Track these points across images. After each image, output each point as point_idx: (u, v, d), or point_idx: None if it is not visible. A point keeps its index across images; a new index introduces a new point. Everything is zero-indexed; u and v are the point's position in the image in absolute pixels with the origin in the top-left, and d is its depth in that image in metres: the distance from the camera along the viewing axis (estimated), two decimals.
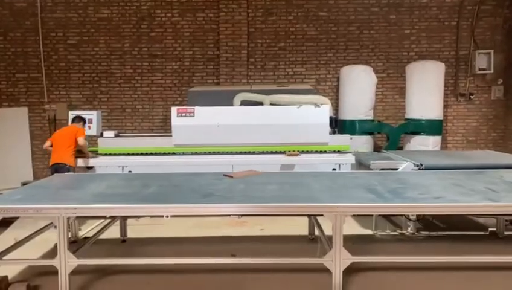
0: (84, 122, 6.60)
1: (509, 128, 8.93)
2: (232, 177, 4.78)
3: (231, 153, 6.47)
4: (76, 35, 9.02)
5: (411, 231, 5.34)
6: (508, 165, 5.45)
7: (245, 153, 6.46)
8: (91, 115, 7.03)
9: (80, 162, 6.30)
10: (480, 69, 8.75)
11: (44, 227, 4.59)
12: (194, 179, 4.72)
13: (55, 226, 3.57)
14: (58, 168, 5.89)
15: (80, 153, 6.34)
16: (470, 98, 9.02)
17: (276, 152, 6.46)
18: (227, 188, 4.25)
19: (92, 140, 7.60)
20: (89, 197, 3.89)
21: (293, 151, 6.40)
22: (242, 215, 5.67)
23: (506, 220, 5.42)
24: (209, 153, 6.48)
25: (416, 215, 5.25)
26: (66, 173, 5.55)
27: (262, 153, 6.46)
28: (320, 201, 3.73)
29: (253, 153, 6.47)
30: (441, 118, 8.32)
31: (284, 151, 6.45)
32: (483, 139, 9.15)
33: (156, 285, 3.99)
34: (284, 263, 4.04)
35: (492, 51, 8.71)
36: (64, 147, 6.06)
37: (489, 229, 5.38)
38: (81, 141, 6.16)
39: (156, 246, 5.13)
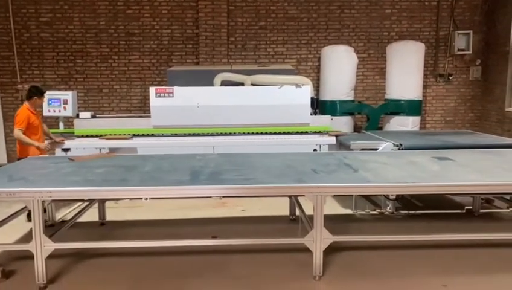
0: (38, 94, 5.42)
1: (485, 108, 9.10)
2: (73, 160, 4.64)
3: (211, 134, 6.40)
4: (49, 12, 8.67)
5: (390, 210, 5.42)
6: (485, 144, 5.56)
7: (226, 134, 6.40)
8: (67, 96, 6.83)
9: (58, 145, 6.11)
10: (459, 50, 8.83)
11: (19, 211, 4.46)
12: (34, 162, 4.58)
13: (29, 210, 3.47)
14: None
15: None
16: (448, 78, 9.12)
17: (256, 133, 6.42)
18: (48, 173, 4.09)
19: (68, 121, 7.41)
20: None
21: (336, 131, 6.42)
22: (223, 196, 5.65)
23: (482, 199, 5.56)
24: (189, 135, 6.39)
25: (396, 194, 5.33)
26: (41, 156, 5.37)
27: (243, 134, 6.41)
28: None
29: (234, 134, 6.41)
30: (420, 99, 8.40)
31: (266, 132, 6.41)
32: (460, 120, 9.31)
33: (136, 268, 3.95)
34: (265, 243, 4.05)
35: (471, 32, 8.78)
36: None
37: (466, 207, 5.50)
38: (15, 133, 5.13)
39: (136, 228, 5.07)
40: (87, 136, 6.35)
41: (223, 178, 3.81)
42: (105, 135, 6.26)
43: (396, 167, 4.23)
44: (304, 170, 4.10)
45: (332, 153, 5.00)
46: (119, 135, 6.26)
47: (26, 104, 5.44)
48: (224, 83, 6.88)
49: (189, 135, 6.39)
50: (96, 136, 6.33)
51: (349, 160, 4.54)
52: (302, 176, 3.86)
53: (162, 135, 6.39)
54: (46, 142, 5.61)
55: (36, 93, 5.43)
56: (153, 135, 6.40)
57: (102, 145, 6.05)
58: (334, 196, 5.77)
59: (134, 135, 6.35)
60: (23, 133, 5.22)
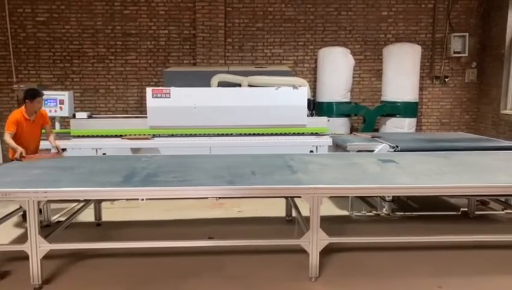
0: (28, 97, 4.86)
1: (481, 110, 9.14)
2: (21, 160, 4.65)
3: (208, 135, 6.40)
4: (46, 12, 8.64)
5: (386, 212, 5.43)
6: (479, 147, 5.60)
7: (222, 135, 6.40)
8: (63, 96, 6.82)
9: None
10: (455, 52, 8.86)
11: (15, 211, 4.45)
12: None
13: (24, 211, 3.45)
14: None
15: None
16: (444, 80, 9.16)
17: (253, 134, 6.42)
18: None
19: (64, 122, 7.39)
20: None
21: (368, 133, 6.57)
22: (220, 197, 5.65)
23: (478, 201, 5.58)
24: (186, 135, 6.39)
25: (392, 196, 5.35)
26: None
27: (240, 135, 6.41)
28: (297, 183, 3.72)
29: (231, 135, 6.41)
30: (417, 101, 8.44)
31: (263, 133, 6.41)
32: (456, 122, 9.35)
33: (132, 269, 3.93)
34: (261, 244, 4.05)
35: (467, 34, 8.82)
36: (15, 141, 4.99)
37: (461, 209, 5.52)
38: (4, 136, 4.83)
39: (132, 229, 5.05)
40: (83, 136, 6.33)
41: (157, 180, 3.79)
42: (127, 135, 6.24)
43: (335, 169, 4.26)
44: (243, 171, 4.11)
45: (283, 155, 5.00)
46: (141, 135, 6.23)
47: (22, 107, 5.03)
48: (221, 84, 6.88)
49: (186, 135, 6.38)
50: (93, 136, 6.32)
51: (294, 162, 4.55)
52: (237, 177, 3.88)
53: (159, 136, 6.38)
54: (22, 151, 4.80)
55: (26, 96, 4.90)
56: (173, 135, 6.35)
57: (100, 145, 6.04)
58: (331, 197, 5.78)
59: (154, 135, 6.35)
60: (13, 137, 4.83)
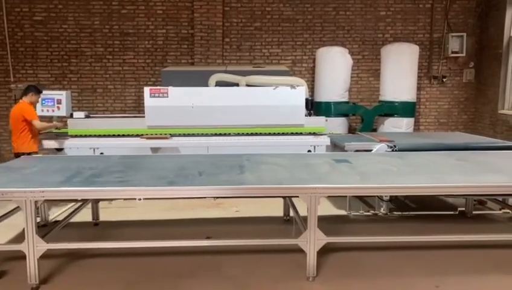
0: (37, 92, 5.84)
1: (479, 110, 9.17)
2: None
3: (206, 134, 6.39)
4: (43, 11, 8.63)
5: (384, 212, 5.44)
6: (476, 146, 5.61)
7: (220, 134, 6.39)
8: (60, 95, 6.78)
9: (50, 144, 6.08)
10: (453, 52, 8.88)
11: (12, 211, 4.43)
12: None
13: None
14: None
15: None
16: (442, 80, 9.18)
17: (251, 134, 6.41)
18: None
19: (61, 121, 7.36)
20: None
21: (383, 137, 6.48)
22: (217, 197, 5.64)
23: (475, 200, 5.60)
24: (184, 135, 6.38)
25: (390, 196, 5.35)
26: (33, 155, 5.35)
27: (238, 134, 6.40)
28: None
29: (229, 134, 6.41)
30: (414, 100, 8.45)
31: (261, 133, 6.40)
32: (454, 122, 9.37)
33: (129, 268, 3.93)
34: (259, 244, 4.05)
35: (464, 34, 8.85)
36: (17, 134, 5.59)
37: (459, 209, 5.53)
38: (37, 124, 5.57)
39: (130, 229, 5.05)
40: (81, 136, 6.32)
41: (98, 180, 3.74)
42: (144, 134, 6.24)
43: (285, 169, 4.19)
44: (191, 172, 4.05)
45: (241, 155, 4.94)
46: (159, 134, 6.24)
47: (24, 100, 5.68)
48: (219, 84, 6.88)
49: (184, 135, 6.37)
50: (90, 136, 6.31)
51: (248, 162, 4.51)
52: (181, 178, 3.82)
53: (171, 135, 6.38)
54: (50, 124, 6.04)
55: (33, 89, 5.76)
56: (170, 135, 6.35)
57: (98, 145, 6.03)
58: (329, 196, 5.79)
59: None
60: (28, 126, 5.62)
